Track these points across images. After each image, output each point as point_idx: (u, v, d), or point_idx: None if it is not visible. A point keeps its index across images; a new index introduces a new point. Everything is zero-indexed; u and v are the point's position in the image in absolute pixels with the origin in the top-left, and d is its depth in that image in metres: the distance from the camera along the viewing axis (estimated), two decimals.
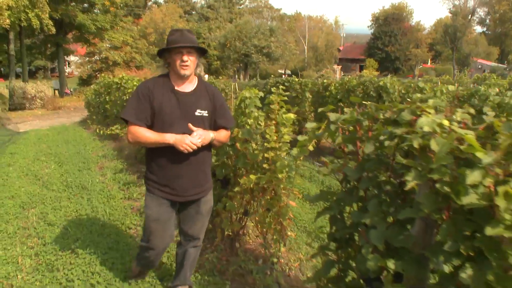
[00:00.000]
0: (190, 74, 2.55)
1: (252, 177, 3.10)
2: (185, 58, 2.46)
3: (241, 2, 71.26)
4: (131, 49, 39.99)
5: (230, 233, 3.59)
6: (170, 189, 2.61)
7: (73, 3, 27.05)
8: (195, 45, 2.50)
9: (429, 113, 1.84)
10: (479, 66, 52.14)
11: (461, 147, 1.58)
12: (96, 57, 38.74)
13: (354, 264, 2.27)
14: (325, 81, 8.71)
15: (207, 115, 2.63)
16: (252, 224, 3.67)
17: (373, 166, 2.06)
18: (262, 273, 3.07)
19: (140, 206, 4.85)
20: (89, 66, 39.60)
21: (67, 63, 47.00)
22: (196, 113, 2.58)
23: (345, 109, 2.32)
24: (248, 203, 3.53)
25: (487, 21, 64.65)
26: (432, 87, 5.83)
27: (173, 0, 66.18)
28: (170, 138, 2.44)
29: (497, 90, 5.11)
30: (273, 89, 3.22)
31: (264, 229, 3.36)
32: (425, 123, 1.68)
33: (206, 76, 40.25)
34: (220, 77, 13.42)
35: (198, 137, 2.46)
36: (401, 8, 59.80)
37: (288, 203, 3.16)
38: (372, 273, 1.96)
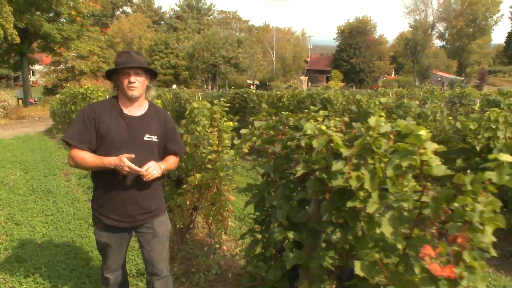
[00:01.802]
0: (139, 95, 2.48)
1: (198, 175, 3.66)
2: (132, 79, 2.41)
3: (210, 13, 72.11)
4: (98, 58, 39.86)
5: (182, 226, 4.11)
6: (116, 215, 2.51)
7: (38, 13, 26.88)
8: (142, 66, 2.46)
9: (318, 120, 2.46)
10: (439, 78, 54.44)
11: (332, 144, 2.19)
12: (62, 66, 38.35)
13: None
14: (278, 93, 9.43)
15: (156, 140, 2.55)
16: (201, 218, 4.19)
17: (282, 161, 2.65)
18: (205, 257, 3.61)
19: None
20: (54, 75, 39.13)
21: (31, 72, 46.13)
22: (145, 138, 2.50)
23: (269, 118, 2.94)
24: (197, 200, 4.07)
25: (446, 35, 67.65)
26: (367, 99, 6.61)
27: (141, 10, 66.27)
28: (109, 162, 2.32)
29: (417, 102, 5.91)
30: (215, 101, 3.78)
31: (210, 221, 3.92)
32: (309, 127, 2.29)
33: (174, 86, 40.46)
34: (184, 88, 13.95)
35: (146, 175, 2.34)
36: (365, 21, 61.93)
37: (228, 197, 3.73)
38: (278, 243, 2.55)
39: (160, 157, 2.62)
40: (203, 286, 3.24)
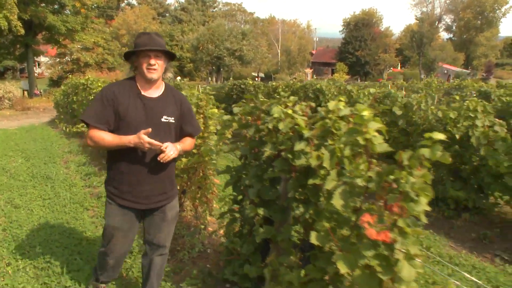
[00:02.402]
0: (157, 78, 2.50)
1: (184, 160, 3.85)
2: (152, 61, 2.42)
3: (215, 5, 72.04)
4: (103, 50, 40.10)
5: None
6: (132, 196, 2.53)
7: (42, 4, 27.03)
8: (163, 49, 2.46)
9: (288, 106, 2.64)
10: (445, 71, 54.12)
11: (296, 127, 2.37)
12: (67, 58, 38.63)
13: None
14: (273, 84, 9.62)
15: (173, 121, 2.57)
16: (189, 201, 4.39)
17: (256, 144, 2.83)
18: (191, 236, 3.81)
19: (99, 192, 5.52)
20: (59, 67, 39.43)
21: (37, 63, 46.47)
22: (163, 119, 2.52)
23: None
24: (186, 184, 4.27)
25: (454, 27, 67.04)
26: (358, 90, 6.78)
27: (146, 1, 66.28)
28: (128, 141, 2.37)
29: (404, 93, 6.06)
30: (201, 89, 3.96)
31: (196, 203, 4.12)
32: (275, 111, 2.47)
33: (179, 78, 40.63)
34: (186, 79, 14.13)
35: (163, 156, 2.40)
36: (371, 14, 61.58)
37: (213, 180, 3.92)
38: (250, 219, 2.74)
39: (177, 139, 2.66)
40: (186, 263, 3.45)
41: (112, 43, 43.33)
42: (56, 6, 28.69)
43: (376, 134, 1.92)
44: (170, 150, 2.42)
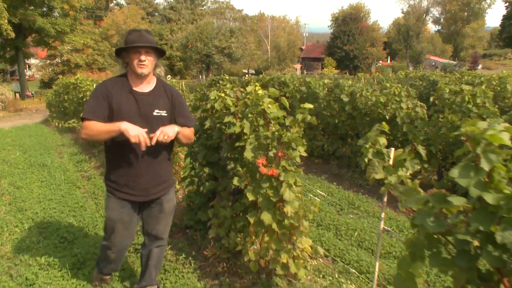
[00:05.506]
0: (148, 73, 2.58)
1: None
2: (142, 57, 2.50)
3: (203, 3, 72.72)
4: (93, 51, 40.77)
5: None
6: (129, 189, 2.61)
7: (31, 8, 27.69)
8: (153, 45, 2.55)
9: (226, 91, 3.52)
10: (433, 63, 55.10)
11: (227, 105, 3.26)
12: (58, 59, 39.27)
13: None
14: (246, 78, 10.55)
15: (166, 115, 2.64)
16: None
17: (203, 120, 3.71)
18: None
19: (89, 175, 6.40)
20: (50, 69, 40.06)
21: (27, 66, 46.94)
22: (154, 113, 2.59)
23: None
24: None
25: (441, 20, 68.07)
26: (314, 81, 7.68)
27: (135, 1, 66.77)
28: (118, 126, 2.41)
29: (350, 82, 6.96)
30: (173, 81, 4.82)
31: None
32: (212, 95, 3.35)
33: (169, 77, 41.36)
34: (176, 78, 15.00)
35: (160, 133, 2.44)
36: (358, 8, 62.38)
37: (180, 156, 4.81)
38: (199, 177, 3.63)
39: None
40: None
41: (102, 44, 43.94)
42: (44, 9, 29.28)
43: (270, 106, 2.82)
44: (168, 131, 2.48)
